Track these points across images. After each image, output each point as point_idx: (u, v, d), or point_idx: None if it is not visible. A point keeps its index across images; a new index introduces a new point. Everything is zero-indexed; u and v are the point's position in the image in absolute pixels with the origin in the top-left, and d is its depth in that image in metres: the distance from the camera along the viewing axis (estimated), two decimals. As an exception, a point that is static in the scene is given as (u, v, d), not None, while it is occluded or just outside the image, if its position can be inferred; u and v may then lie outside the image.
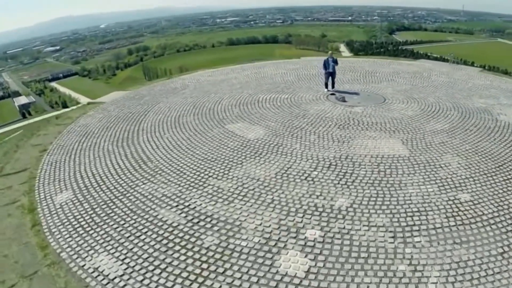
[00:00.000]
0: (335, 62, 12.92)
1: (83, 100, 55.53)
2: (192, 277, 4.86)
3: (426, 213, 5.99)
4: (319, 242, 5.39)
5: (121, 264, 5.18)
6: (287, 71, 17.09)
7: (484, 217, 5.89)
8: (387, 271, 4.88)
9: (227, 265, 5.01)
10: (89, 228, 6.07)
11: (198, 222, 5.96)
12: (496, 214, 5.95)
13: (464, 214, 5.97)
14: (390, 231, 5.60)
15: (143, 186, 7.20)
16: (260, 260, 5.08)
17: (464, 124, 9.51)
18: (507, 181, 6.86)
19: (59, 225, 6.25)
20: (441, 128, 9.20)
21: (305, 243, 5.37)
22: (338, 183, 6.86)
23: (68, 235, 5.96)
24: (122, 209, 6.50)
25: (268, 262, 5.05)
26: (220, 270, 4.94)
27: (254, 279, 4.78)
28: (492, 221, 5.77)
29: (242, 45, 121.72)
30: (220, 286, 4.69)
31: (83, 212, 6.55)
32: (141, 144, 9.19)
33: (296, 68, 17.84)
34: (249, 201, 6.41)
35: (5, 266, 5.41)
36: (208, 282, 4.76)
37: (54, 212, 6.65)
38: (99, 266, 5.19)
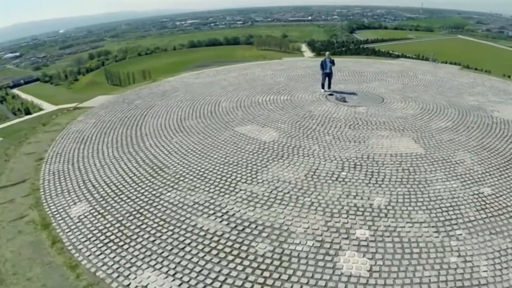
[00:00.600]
0: (332, 62, 13.18)
1: (46, 106, 51.99)
2: (257, 286, 4.64)
3: (458, 208, 6.26)
4: (371, 241, 5.41)
5: (173, 280, 4.80)
6: (275, 72, 17.15)
7: (509, 209, 6.30)
8: (441, 263, 5.03)
9: (290, 271, 4.85)
10: (122, 243, 5.57)
11: (243, 229, 5.71)
12: (519, 205, 6.39)
13: (491, 207, 6.33)
14: (433, 226, 5.78)
15: (169, 194, 6.77)
16: (321, 263, 4.98)
17: (464, 122, 10.12)
18: (519, 174, 7.42)
19: (84, 241, 5.67)
20: (445, 126, 9.73)
21: (359, 243, 5.36)
22: (369, 183, 6.96)
23: (99, 252, 5.42)
24: (153, 220, 6.06)
25: (329, 264, 4.96)
26: (284, 277, 4.77)
27: (322, 282, 4.67)
28: (517, 212, 6.20)
29: (204, 47, 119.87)
30: (290, 293, 4.54)
31: (108, 225, 6.01)
32: (150, 150, 8.66)
33: (283, 69, 17.95)
34: (289, 205, 6.27)
35: (33, 292, 4.79)
36: (276, 291, 4.58)
37: (74, 226, 6.03)
38: (148, 284, 4.77)
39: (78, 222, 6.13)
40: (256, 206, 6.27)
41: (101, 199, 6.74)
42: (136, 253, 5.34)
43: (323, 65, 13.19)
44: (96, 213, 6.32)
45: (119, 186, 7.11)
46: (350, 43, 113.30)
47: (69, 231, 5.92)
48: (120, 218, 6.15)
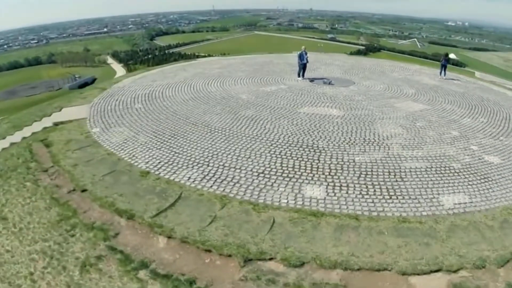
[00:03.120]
0: (306, 54, 16.20)
1: None
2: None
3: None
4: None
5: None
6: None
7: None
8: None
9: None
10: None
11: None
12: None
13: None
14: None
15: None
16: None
17: (426, 89, 15.21)
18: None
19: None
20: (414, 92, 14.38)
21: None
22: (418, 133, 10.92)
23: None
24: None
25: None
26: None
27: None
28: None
29: (5, 71, 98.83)
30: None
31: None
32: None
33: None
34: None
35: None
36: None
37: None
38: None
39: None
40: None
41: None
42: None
43: (301, 57, 15.88)
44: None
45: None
46: (155, 50, 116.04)
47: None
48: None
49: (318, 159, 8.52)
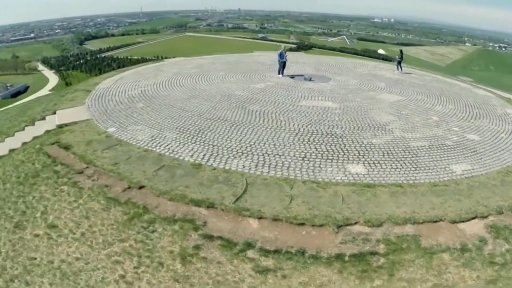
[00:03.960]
0: (286, 53, 17.44)
1: None
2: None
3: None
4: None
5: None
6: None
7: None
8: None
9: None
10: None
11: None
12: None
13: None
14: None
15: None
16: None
17: (392, 83, 17.51)
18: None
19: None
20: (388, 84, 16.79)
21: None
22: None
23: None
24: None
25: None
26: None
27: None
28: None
29: None
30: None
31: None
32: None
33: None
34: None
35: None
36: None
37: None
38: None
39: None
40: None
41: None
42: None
43: (281, 55, 17.21)
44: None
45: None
46: (86, 55, 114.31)
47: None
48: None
49: (343, 143, 9.74)
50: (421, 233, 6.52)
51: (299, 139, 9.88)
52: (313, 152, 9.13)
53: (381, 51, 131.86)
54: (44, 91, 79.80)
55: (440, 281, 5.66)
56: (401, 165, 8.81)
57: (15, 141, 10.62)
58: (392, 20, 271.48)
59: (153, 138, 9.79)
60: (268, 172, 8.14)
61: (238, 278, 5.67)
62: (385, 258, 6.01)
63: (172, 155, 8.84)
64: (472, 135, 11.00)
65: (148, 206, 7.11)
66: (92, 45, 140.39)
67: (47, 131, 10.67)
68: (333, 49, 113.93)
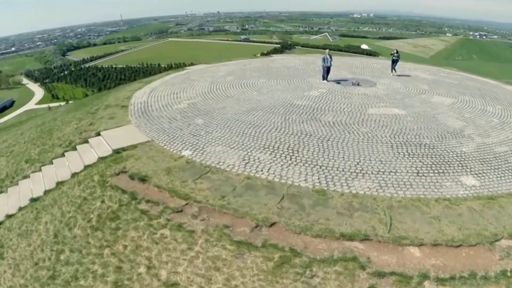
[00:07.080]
0: (331, 57, 17.10)
1: None
2: None
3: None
4: None
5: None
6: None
7: None
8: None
9: None
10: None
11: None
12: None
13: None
14: None
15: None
16: None
17: (432, 84, 17.61)
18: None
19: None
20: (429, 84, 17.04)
21: None
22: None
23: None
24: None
25: None
26: None
27: None
28: None
29: None
30: None
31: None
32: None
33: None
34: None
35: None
36: None
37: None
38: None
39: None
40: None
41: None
42: None
43: (325, 60, 16.78)
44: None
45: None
46: (70, 66, 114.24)
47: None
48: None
49: (441, 154, 9.72)
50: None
51: (398, 152, 9.69)
52: (422, 166, 8.91)
53: (364, 46, 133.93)
54: (31, 104, 77.56)
55: None
56: (502, 172, 8.94)
57: (59, 171, 9.47)
58: (371, 14, 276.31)
59: (245, 161, 9.15)
60: (397, 192, 7.86)
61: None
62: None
63: (283, 181, 8.22)
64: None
65: (294, 247, 6.47)
66: (74, 56, 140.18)
67: (102, 158, 9.68)
68: (316, 47, 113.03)
